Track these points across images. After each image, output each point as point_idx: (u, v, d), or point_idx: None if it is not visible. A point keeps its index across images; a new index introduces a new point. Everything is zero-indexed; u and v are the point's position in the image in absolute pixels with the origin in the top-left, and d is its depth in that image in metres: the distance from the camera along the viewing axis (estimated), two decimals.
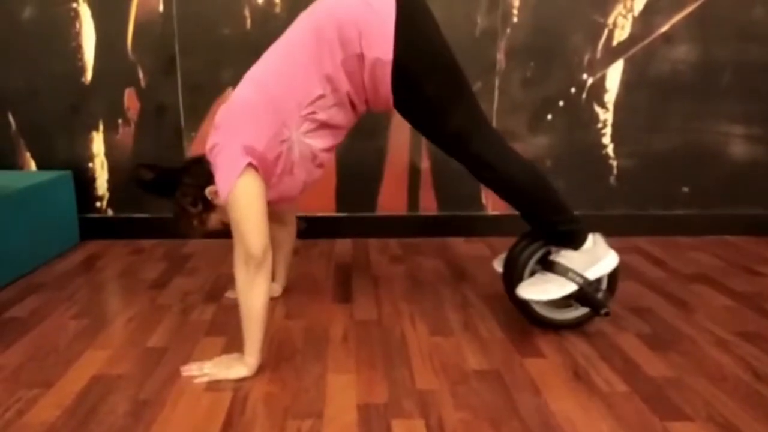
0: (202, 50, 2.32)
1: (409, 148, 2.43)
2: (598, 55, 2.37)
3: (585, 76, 2.38)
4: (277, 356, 1.50)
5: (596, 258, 1.56)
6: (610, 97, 2.41)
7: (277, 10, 2.29)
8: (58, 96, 2.35)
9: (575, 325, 1.63)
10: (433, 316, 1.74)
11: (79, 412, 1.26)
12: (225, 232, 1.47)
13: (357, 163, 2.42)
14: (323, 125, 1.49)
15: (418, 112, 1.53)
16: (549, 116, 2.42)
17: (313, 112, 1.45)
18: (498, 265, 1.75)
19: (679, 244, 2.41)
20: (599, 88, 2.40)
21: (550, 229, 1.59)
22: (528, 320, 1.63)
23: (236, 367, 1.39)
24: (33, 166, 2.42)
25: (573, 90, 2.40)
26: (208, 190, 1.46)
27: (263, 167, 1.40)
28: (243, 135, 1.39)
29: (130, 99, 2.36)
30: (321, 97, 1.45)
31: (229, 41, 2.31)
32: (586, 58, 2.37)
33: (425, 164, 2.45)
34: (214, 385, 1.36)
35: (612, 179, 2.49)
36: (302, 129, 1.46)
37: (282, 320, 1.71)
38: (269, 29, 2.31)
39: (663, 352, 1.52)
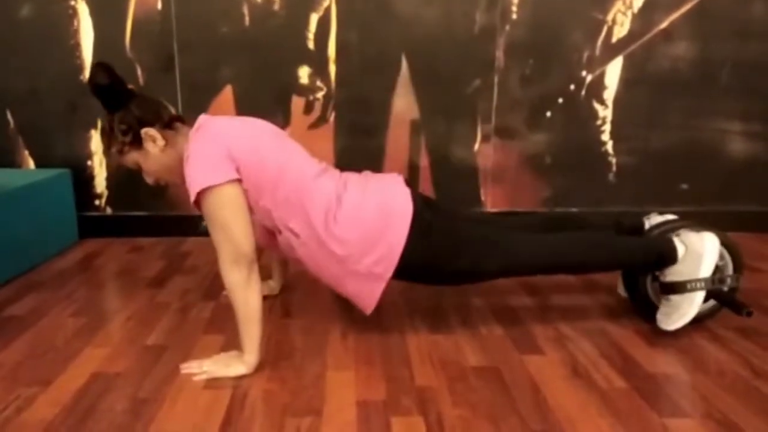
0: (200, 48, 2.31)
1: (408, 146, 2.43)
2: (597, 52, 2.36)
3: (584, 73, 2.38)
4: (276, 354, 1.50)
5: (698, 254, 1.53)
6: (609, 94, 2.41)
7: (276, 7, 2.29)
8: (56, 94, 2.35)
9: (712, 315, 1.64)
10: (432, 313, 1.74)
11: (78, 409, 1.26)
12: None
13: (356, 160, 2.41)
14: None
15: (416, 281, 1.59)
16: (548, 113, 2.42)
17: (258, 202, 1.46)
18: (621, 291, 1.81)
19: None
20: (598, 85, 2.40)
21: (640, 269, 1.63)
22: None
23: (235, 365, 1.39)
24: (31, 164, 2.42)
25: (572, 87, 2.39)
26: (145, 130, 1.43)
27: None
28: (238, 149, 1.39)
29: None
30: (262, 206, 1.46)
31: (227, 39, 2.31)
32: (585, 55, 2.36)
33: (424, 161, 2.45)
34: (213, 383, 1.36)
35: (611, 176, 2.49)
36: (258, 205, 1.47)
37: (281, 318, 1.71)
38: (268, 27, 2.31)
39: (661, 348, 1.53)
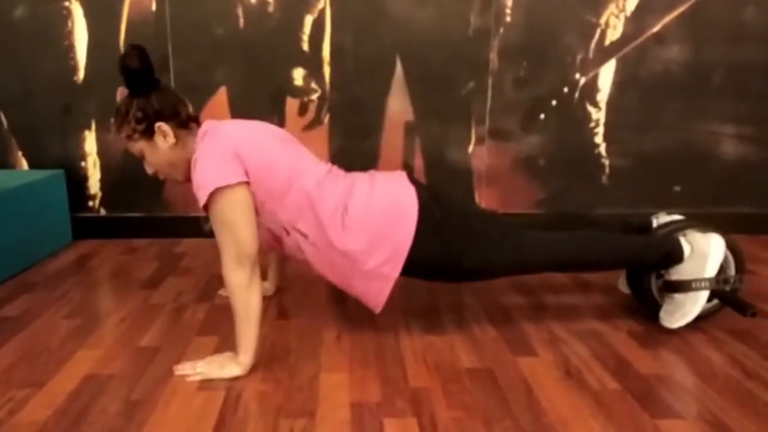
0: (195, 50, 2.31)
1: (403, 148, 2.43)
2: (591, 54, 2.38)
3: (578, 75, 2.39)
4: (270, 355, 1.50)
5: (703, 255, 1.55)
6: (603, 96, 2.42)
7: (271, 9, 2.29)
8: (50, 95, 2.34)
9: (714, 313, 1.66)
10: (427, 315, 1.75)
11: (71, 412, 1.26)
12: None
13: (350, 162, 2.41)
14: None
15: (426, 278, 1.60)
16: (542, 115, 2.43)
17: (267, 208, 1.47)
18: (623, 287, 1.81)
19: None
20: (592, 88, 2.41)
21: (647, 268, 1.63)
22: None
23: (229, 366, 1.39)
24: (25, 165, 2.41)
25: (566, 89, 2.40)
26: (159, 124, 1.42)
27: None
28: (249, 155, 1.40)
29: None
30: (269, 208, 1.46)
31: (222, 41, 2.31)
32: (579, 57, 2.38)
33: (418, 163, 2.45)
34: (206, 385, 1.36)
35: (604, 178, 2.50)
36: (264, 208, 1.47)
37: (275, 320, 1.71)
38: (262, 29, 2.31)
39: (654, 350, 1.53)
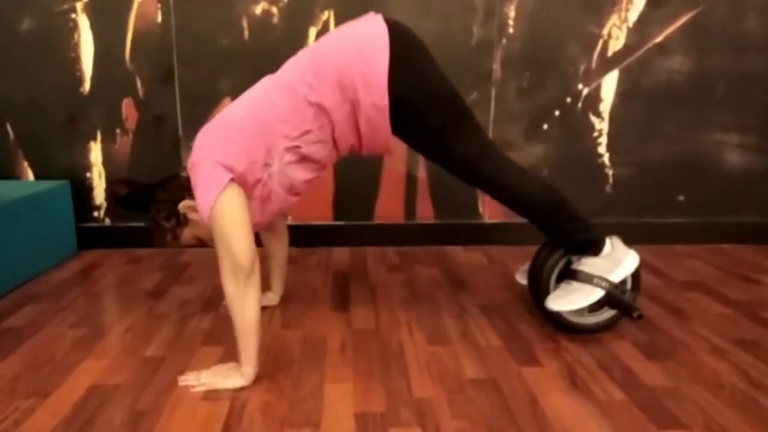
0: (200, 61, 2.33)
1: (406, 157, 2.44)
2: (594, 65, 2.39)
3: (580, 86, 2.40)
4: (274, 366, 1.50)
5: (618, 260, 1.59)
6: (606, 106, 2.43)
7: (275, 20, 2.31)
8: (56, 106, 2.36)
9: (610, 327, 1.66)
10: (431, 324, 1.74)
11: (76, 422, 1.26)
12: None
13: (354, 171, 2.43)
14: (305, 158, 1.50)
15: (424, 145, 1.57)
16: (545, 126, 2.43)
17: (298, 146, 1.47)
18: (521, 278, 1.80)
19: (675, 252, 2.42)
20: (594, 98, 2.42)
21: (567, 239, 1.62)
22: (563, 330, 1.65)
23: (233, 377, 1.39)
24: (31, 175, 2.43)
25: (569, 100, 2.41)
26: (181, 205, 1.48)
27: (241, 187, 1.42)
28: (224, 153, 1.39)
29: (128, 109, 2.37)
30: (307, 132, 1.46)
31: (227, 52, 2.32)
32: (582, 68, 2.38)
33: (422, 173, 2.46)
34: (211, 395, 1.36)
35: (608, 188, 2.50)
36: (285, 160, 1.47)
37: (279, 329, 1.71)
38: (267, 40, 2.32)
39: (660, 360, 1.53)
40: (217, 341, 1.63)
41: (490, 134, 2.42)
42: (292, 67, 1.49)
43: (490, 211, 2.50)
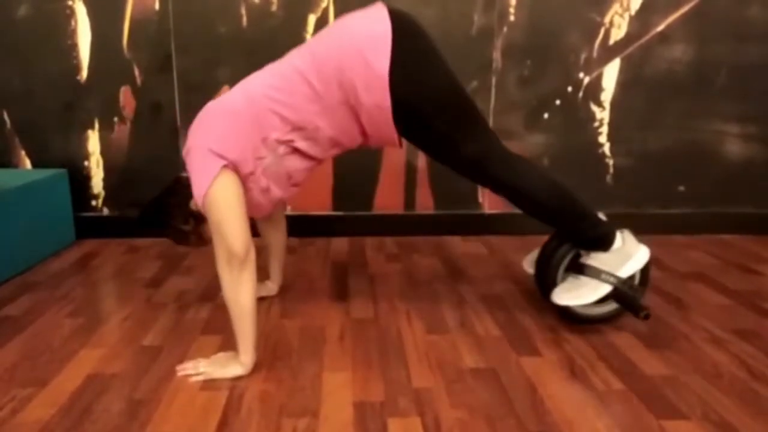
0: (198, 48, 2.31)
1: (406, 147, 2.43)
2: (595, 54, 2.37)
3: (581, 74, 2.38)
4: (272, 355, 1.50)
5: (627, 256, 1.57)
6: (607, 95, 2.41)
7: (274, 8, 2.29)
8: (53, 94, 2.34)
9: (616, 317, 1.65)
10: (430, 314, 1.74)
11: (74, 411, 1.26)
12: None
13: (353, 161, 2.41)
14: (298, 152, 1.48)
15: (429, 146, 1.54)
16: (546, 115, 2.42)
17: (291, 140, 1.45)
18: (528, 266, 1.78)
19: (676, 242, 2.42)
20: (596, 87, 2.40)
21: (577, 236, 1.61)
22: (568, 320, 1.64)
23: (232, 366, 1.39)
24: (28, 164, 2.41)
25: (570, 89, 2.40)
26: (192, 203, 1.48)
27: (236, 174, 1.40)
28: (217, 141, 1.38)
29: (125, 97, 2.35)
30: (301, 129, 1.44)
31: (225, 39, 2.31)
32: (583, 56, 2.37)
33: (421, 163, 2.45)
34: (209, 384, 1.36)
35: (608, 178, 2.49)
36: (279, 151, 1.45)
37: (278, 319, 1.71)
38: (265, 27, 2.31)
39: (659, 350, 1.53)
40: (216, 330, 1.63)
41: (491, 123, 2.40)
42: (293, 59, 1.46)
43: (489, 201, 2.49)
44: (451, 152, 1.51)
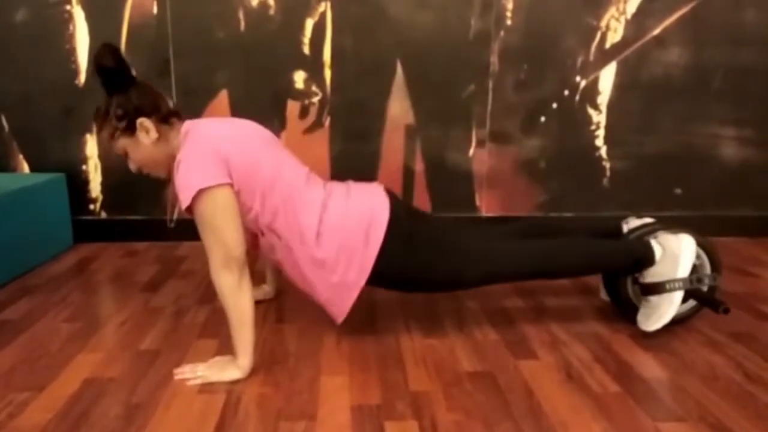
0: (196, 53, 2.32)
1: (403, 151, 2.43)
2: (591, 57, 2.38)
3: (578, 78, 2.39)
4: (270, 359, 1.50)
5: (674, 255, 1.55)
6: (603, 99, 2.42)
7: (272, 12, 2.30)
8: (51, 98, 2.35)
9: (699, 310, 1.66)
10: (427, 318, 1.74)
11: (71, 415, 1.26)
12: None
13: (351, 165, 2.42)
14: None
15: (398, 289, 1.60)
16: (542, 118, 2.43)
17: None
18: (604, 296, 1.82)
19: None
20: (592, 91, 2.41)
21: (619, 271, 1.64)
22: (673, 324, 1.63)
23: (229, 370, 1.39)
24: (26, 168, 2.42)
25: (566, 92, 2.41)
26: (140, 120, 1.42)
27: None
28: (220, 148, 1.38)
29: None
30: (249, 210, 1.45)
31: (223, 44, 2.31)
32: (579, 60, 2.38)
33: (419, 166, 2.45)
34: (207, 388, 1.36)
35: (605, 181, 2.50)
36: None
37: (274, 323, 1.71)
38: (263, 32, 2.31)
39: (655, 352, 1.53)
40: (213, 334, 1.63)
41: (487, 127, 2.41)
42: (302, 188, 1.48)
43: (487, 204, 2.49)
44: (423, 288, 1.59)
